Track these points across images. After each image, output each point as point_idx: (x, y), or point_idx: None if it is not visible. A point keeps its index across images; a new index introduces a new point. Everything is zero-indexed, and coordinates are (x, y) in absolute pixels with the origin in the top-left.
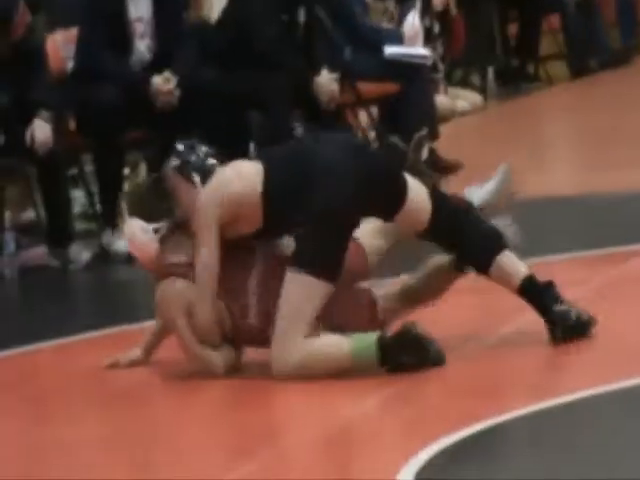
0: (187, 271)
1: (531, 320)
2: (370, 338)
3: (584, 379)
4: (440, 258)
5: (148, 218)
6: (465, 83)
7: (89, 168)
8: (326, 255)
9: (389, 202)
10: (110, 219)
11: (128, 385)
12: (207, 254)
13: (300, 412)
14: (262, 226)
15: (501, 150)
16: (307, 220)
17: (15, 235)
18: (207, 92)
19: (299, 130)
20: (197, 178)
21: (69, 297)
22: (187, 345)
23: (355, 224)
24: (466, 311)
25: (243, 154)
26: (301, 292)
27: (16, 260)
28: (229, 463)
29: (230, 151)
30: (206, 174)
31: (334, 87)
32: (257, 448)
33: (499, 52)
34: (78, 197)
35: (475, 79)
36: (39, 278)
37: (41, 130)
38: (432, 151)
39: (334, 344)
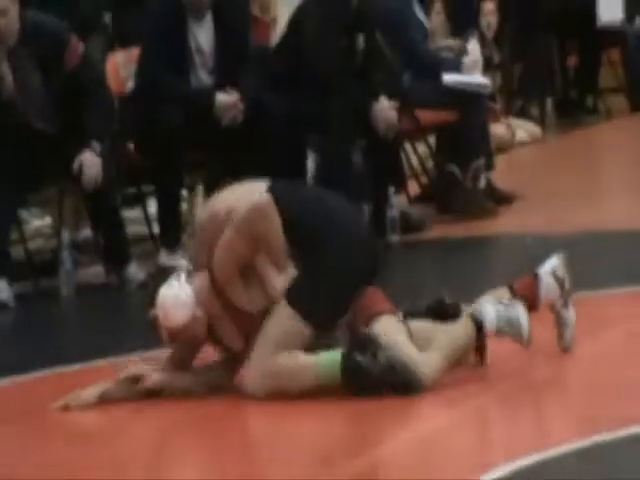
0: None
1: (582, 355)
2: (336, 353)
3: None
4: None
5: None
6: (524, 114)
7: (147, 189)
8: (325, 310)
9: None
10: (167, 240)
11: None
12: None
13: (382, 424)
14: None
15: (558, 182)
16: (320, 264)
17: (72, 253)
18: (269, 116)
19: (357, 158)
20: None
21: (125, 316)
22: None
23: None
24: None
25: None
26: (285, 328)
27: (73, 278)
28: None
29: (289, 178)
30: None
31: (393, 115)
32: (341, 459)
33: (558, 84)
34: (136, 217)
35: (534, 110)
36: (96, 296)
37: (90, 164)
38: (488, 181)
39: (300, 359)
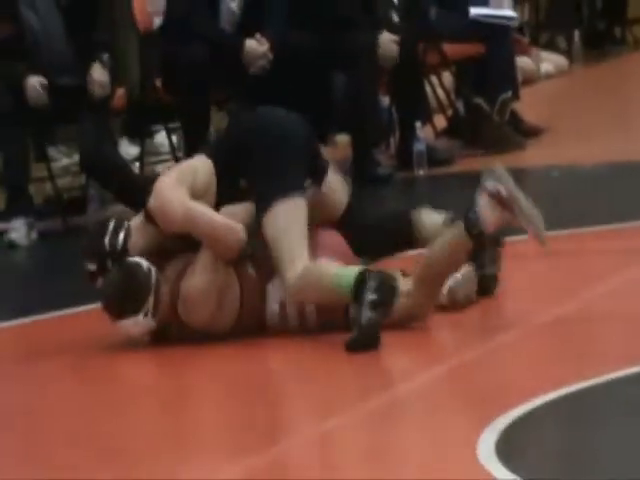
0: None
1: (607, 290)
2: (354, 269)
3: None
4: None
5: (136, 310)
6: (551, 46)
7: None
8: (282, 174)
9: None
10: None
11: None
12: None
13: (369, 376)
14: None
15: (586, 114)
16: (253, 168)
17: (100, 190)
18: (295, 54)
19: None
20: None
21: None
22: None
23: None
24: (542, 278)
25: (326, 117)
26: (283, 221)
27: (101, 215)
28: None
29: (313, 115)
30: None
31: (393, 49)
32: (338, 410)
33: (586, 15)
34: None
35: (561, 42)
36: None
37: (99, 73)
38: (514, 113)
39: (324, 267)
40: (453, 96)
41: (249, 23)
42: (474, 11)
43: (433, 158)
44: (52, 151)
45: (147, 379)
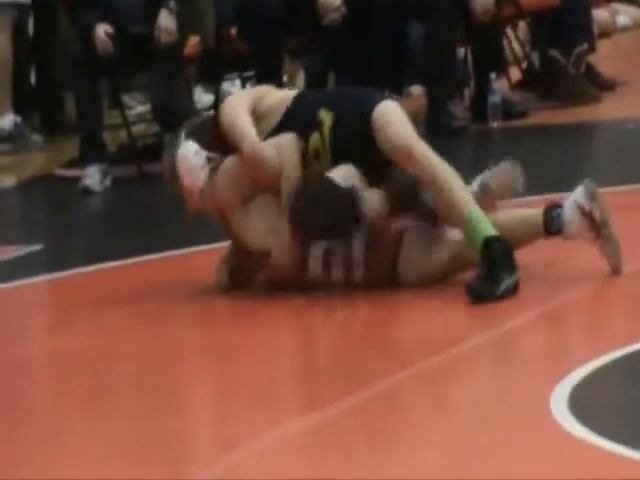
0: None
1: None
2: (490, 228)
3: None
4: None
5: (204, 145)
6: None
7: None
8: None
9: None
10: None
11: None
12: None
13: (452, 325)
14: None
15: None
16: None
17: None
18: (370, 5)
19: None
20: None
21: None
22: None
23: None
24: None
25: (401, 68)
26: (395, 111)
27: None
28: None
29: (389, 66)
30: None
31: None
32: (412, 358)
33: None
34: None
35: None
36: None
37: (166, 19)
38: (589, 66)
39: (464, 194)
40: (528, 48)
41: None
42: None
43: (508, 110)
44: (127, 98)
45: (210, 331)
